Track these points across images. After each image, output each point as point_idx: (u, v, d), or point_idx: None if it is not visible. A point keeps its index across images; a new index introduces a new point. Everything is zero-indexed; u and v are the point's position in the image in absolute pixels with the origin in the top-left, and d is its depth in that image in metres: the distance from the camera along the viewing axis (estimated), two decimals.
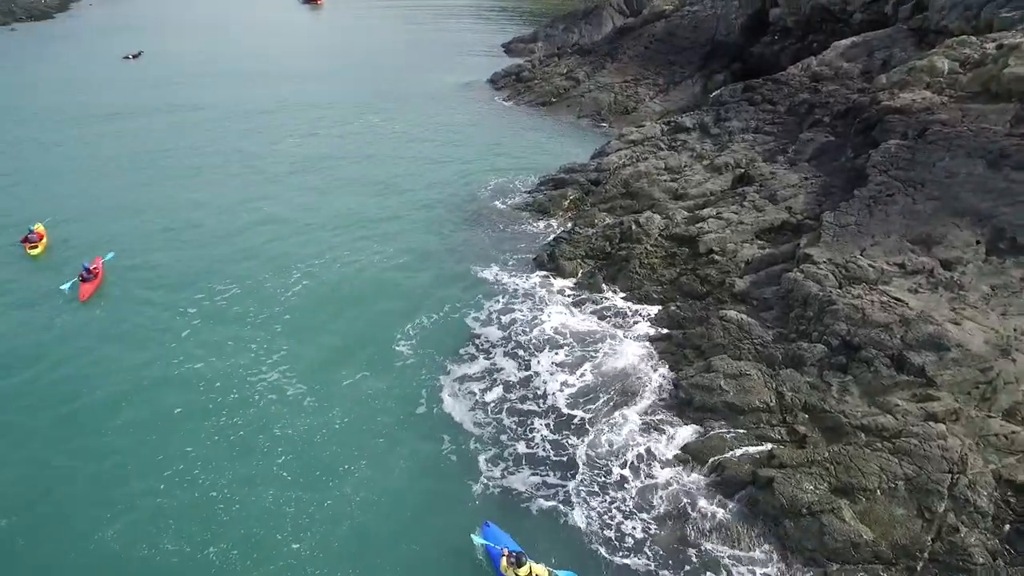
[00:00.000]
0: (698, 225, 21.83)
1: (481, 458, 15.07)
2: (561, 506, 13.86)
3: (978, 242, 17.60)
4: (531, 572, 11.69)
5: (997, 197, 18.35)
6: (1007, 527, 12.60)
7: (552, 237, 24.11)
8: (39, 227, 24.45)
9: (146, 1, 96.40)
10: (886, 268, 17.24)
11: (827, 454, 14.01)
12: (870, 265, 17.32)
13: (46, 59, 59.03)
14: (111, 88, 48.88)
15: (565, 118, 39.46)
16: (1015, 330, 15.59)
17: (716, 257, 20.62)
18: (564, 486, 14.27)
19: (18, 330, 19.52)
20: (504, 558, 11.89)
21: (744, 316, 17.61)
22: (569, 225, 25.08)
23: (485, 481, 14.50)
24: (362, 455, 15.15)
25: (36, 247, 23.66)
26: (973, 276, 17.01)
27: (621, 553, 12.95)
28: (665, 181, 26.12)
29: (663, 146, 28.30)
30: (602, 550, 13.01)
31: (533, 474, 14.64)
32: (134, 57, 60.09)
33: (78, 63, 57.16)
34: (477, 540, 12.69)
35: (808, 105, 26.92)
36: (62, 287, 20.98)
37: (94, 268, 21.66)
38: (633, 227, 22.72)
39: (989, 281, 16.84)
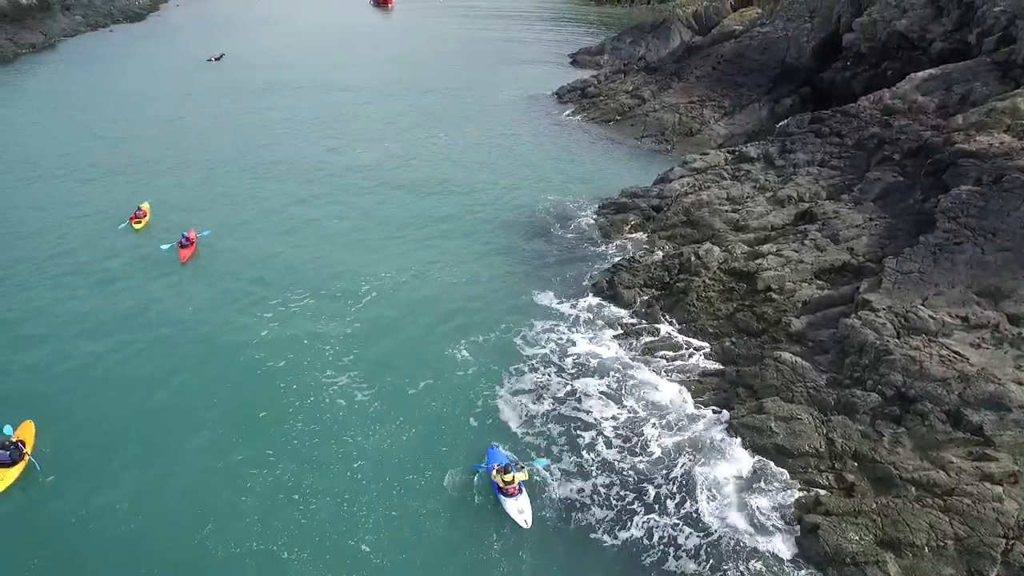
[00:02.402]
0: (757, 261, 22.02)
1: (536, 467, 16.05)
2: (604, 520, 14.69)
3: None
4: (514, 479, 14.81)
5: None
6: None
7: (612, 263, 24.64)
8: (145, 205, 28.55)
9: (226, 2, 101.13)
10: (948, 320, 17.15)
11: (875, 505, 14.22)
12: (931, 316, 17.27)
13: (142, 60, 62.95)
14: (199, 88, 52.43)
15: (628, 137, 39.79)
16: None
17: (774, 295, 20.80)
18: (605, 502, 14.99)
19: (132, 283, 23.89)
20: (494, 470, 15.10)
21: (798, 359, 17.82)
22: (629, 251, 25.58)
23: (538, 490, 15.49)
24: (427, 464, 16.24)
25: (140, 222, 27.62)
26: None
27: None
28: (727, 211, 26.31)
29: (726, 175, 28.45)
30: (635, 564, 13.78)
31: (579, 488, 15.61)
32: (216, 59, 63.50)
33: (169, 65, 60.82)
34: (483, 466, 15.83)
35: (877, 140, 26.60)
36: (163, 247, 25.50)
37: (190, 237, 25.61)
38: (692, 259, 23.08)
39: None
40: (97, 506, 15.04)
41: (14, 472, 15.29)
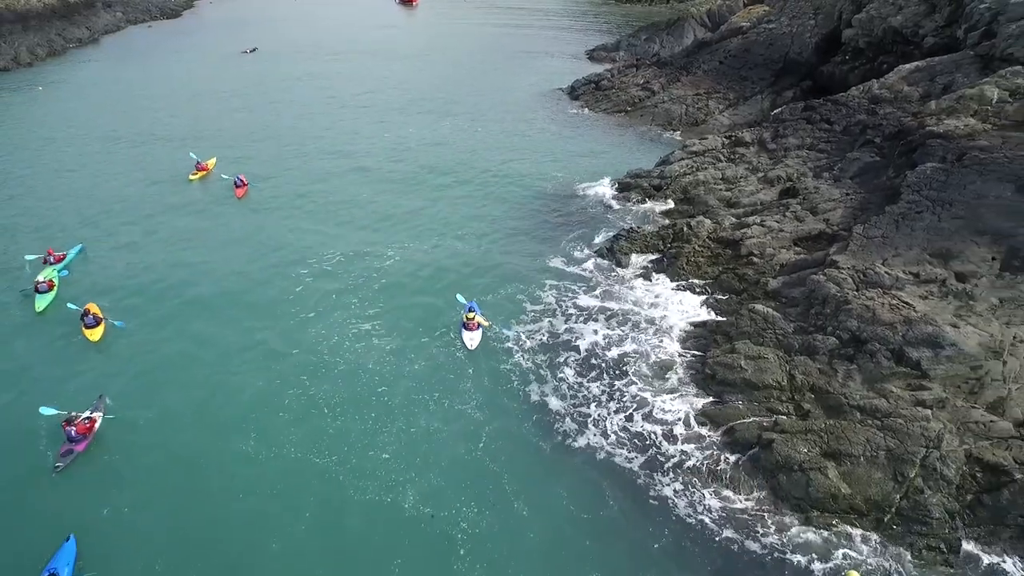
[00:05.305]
0: (742, 231, 24.43)
1: (531, 391, 18.88)
2: (584, 434, 17.33)
3: (994, 258, 19.52)
4: (475, 318, 20.74)
5: (1019, 219, 20.15)
6: (970, 496, 14.95)
7: (613, 233, 27.17)
8: (211, 162, 34.74)
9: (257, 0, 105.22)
10: (901, 276, 19.46)
11: (824, 426, 16.61)
12: (887, 272, 19.58)
13: (181, 52, 66.77)
14: (237, 75, 56.76)
15: (637, 127, 42.25)
16: (1014, 338, 17.61)
17: (755, 260, 23.19)
18: (589, 420, 17.56)
19: (199, 212, 30.23)
20: (466, 313, 21.04)
21: (770, 310, 20.23)
22: (630, 223, 28.08)
23: (534, 410, 18.16)
24: (435, 389, 18.94)
25: (196, 175, 33.47)
26: (985, 288, 19.00)
27: (628, 481, 16.09)
28: (721, 190, 28.72)
29: (722, 158, 30.83)
30: (609, 473, 16.31)
31: (568, 408, 18.20)
32: (251, 52, 67.17)
33: (207, 56, 64.71)
34: (460, 299, 22.19)
35: (862, 126, 28.79)
36: (224, 176, 33.04)
37: (243, 179, 32.08)
38: (685, 229, 25.56)
39: (999, 294, 18.79)
40: (152, 409, 18.15)
41: (100, 330, 21.05)
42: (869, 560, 14.09)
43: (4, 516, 14.94)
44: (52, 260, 24.70)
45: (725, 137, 32.47)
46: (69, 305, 21.87)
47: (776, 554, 14.19)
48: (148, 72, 57.82)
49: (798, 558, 14.10)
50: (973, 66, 29.79)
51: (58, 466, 15.67)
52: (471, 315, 20.95)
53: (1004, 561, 13.86)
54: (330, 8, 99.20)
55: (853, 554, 14.24)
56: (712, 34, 51.32)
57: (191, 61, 62.49)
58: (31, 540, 14.18)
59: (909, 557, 14.09)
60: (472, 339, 20.61)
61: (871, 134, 27.96)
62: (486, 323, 21.01)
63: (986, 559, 13.90)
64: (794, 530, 14.81)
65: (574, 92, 49.75)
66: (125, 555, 14.06)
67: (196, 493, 15.61)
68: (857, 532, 14.67)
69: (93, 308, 21.49)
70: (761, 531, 14.73)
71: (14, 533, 14.55)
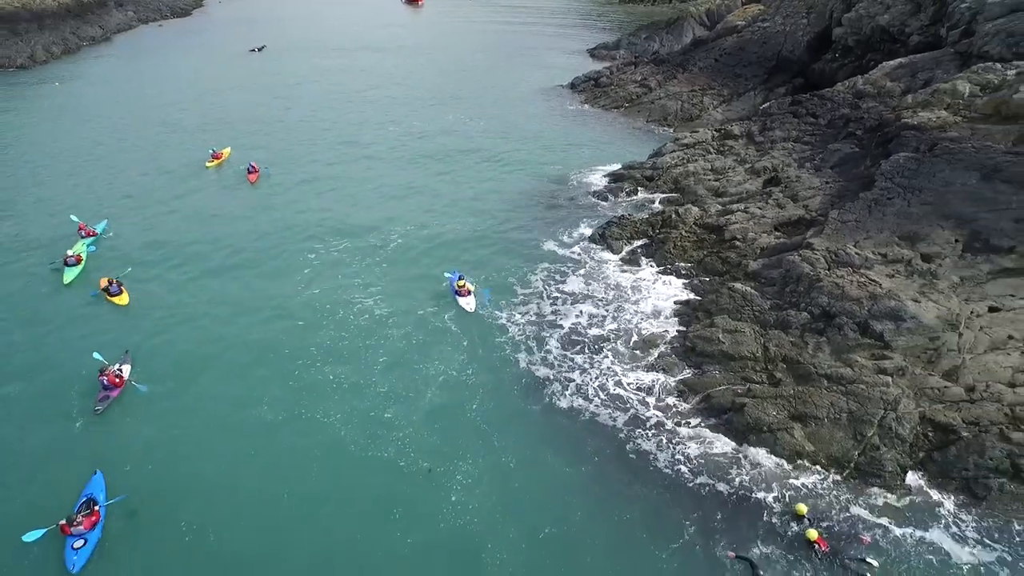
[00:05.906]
0: (726, 217, 25.76)
1: (520, 359, 20.24)
2: (569, 398, 18.63)
3: (957, 241, 20.83)
4: (464, 284, 22.75)
5: (982, 205, 21.46)
6: (921, 453, 16.30)
7: (605, 220, 28.52)
8: (225, 151, 36.83)
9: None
10: (870, 256, 20.78)
11: (793, 392, 17.97)
12: (857, 253, 20.91)
13: (192, 50, 68.40)
14: (247, 71, 58.44)
15: (634, 122, 43.60)
16: (972, 312, 18.94)
17: (738, 243, 24.53)
18: (573, 385, 18.90)
19: (214, 195, 32.31)
20: (456, 280, 23.02)
21: (748, 288, 21.58)
22: (621, 211, 29.44)
23: (523, 375, 19.54)
24: (432, 356, 20.40)
25: (212, 163, 35.57)
26: (948, 268, 20.33)
27: (609, 439, 17.41)
28: (709, 180, 30.05)
29: (712, 150, 32.15)
30: (592, 431, 17.62)
31: (555, 375, 19.45)
32: (259, 50, 68.72)
33: (217, 54, 66.31)
34: (447, 275, 24.10)
35: (846, 119, 30.08)
36: (241, 168, 34.78)
37: (254, 165, 34.09)
38: (673, 216, 26.92)
39: (960, 273, 20.14)
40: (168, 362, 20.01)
41: (125, 296, 23.16)
42: (823, 497, 15.52)
43: (52, 450, 17.00)
44: (84, 234, 26.86)
45: (715, 130, 33.78)
46: (91, 294, 23.42)
47: (742, 492, 15.69)
48: (160, 69, 59.47)
49: (761, 495, 15.60)
50: (952, 63, 31.04)
51: (97, 409, 18.02)
52: (461, 283, 22.90)
53: (947, 507, 15.23)
54: (337, 8, 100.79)
55: (808, 486, 15.80)
56: (708, 32, 52.56)
57: (201, 59, 64.18)
58: (72, 471, 16.20)
59: (860, 499, 15.48)
60: (468, 303, 22.53)
61: (853, 127, 29.25)
62: (473, 288, 23.03)
63: (932, 499, 15.33)
64: (759, 478, 16.19)
65: (574, 88, 51.14)
66: (151, 485, 15.89)
67: (213, 435, 17.48)
68: (815, 479, 16.06)
69: (112, 280, 23.42)
70: (732, 475, 16.19)
71: (58, 464, 16.56)
